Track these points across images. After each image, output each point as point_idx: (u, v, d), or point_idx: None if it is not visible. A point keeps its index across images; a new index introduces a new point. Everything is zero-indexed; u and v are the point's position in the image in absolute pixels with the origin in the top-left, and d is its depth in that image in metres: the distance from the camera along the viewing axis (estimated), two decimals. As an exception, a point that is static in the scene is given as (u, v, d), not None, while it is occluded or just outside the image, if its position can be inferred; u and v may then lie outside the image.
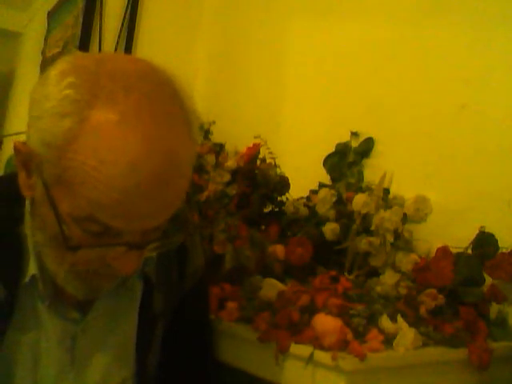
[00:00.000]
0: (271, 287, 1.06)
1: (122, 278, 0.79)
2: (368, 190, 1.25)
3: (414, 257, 1.13)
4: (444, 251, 1.08)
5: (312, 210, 1.31)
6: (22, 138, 0.69)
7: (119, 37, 2.04)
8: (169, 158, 0.62)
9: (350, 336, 0.85)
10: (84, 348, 0.81)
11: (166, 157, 0.61)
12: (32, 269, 0.74)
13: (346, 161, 1.46)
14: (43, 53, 2.68)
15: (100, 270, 0.69)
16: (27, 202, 0.74)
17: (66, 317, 0.79)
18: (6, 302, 0.74)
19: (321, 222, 1.25)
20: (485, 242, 1.11)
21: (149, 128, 0.60)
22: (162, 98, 0.64)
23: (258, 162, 1.39)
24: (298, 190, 1.39)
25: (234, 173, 1.36)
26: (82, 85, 0.61)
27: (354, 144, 1.46)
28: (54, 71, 0.65)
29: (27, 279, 0.75)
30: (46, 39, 2.71)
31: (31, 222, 0.73)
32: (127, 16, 2.06)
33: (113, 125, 0.59)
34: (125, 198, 0.60)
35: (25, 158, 0.67)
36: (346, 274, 1.16)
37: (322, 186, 1.41)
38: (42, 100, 0.63)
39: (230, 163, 1.37)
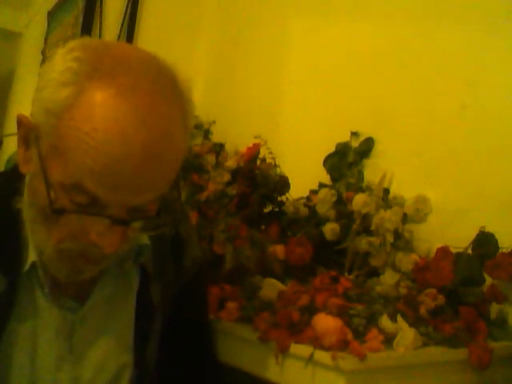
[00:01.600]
0: (271, 287, 1.06)
1: (114, 265, 0.81)
2: (368, 189, 1.25)
3: (414, 257, 1.13)
4: (444, 251, 1.08)
5: (312, 209, 1.31)
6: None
7: (119, 37, 2.05)
8: (160, 134, 0.64)
9: (350, 336, 0.85)
10: (82, 336, 0.81)
11: (158, 134, 0.64)
12: (32, 256, 0.75)
13: (346, 161, 1.46)
14: (43, 53, 2.69)
15: (85, 249, 0.70)
16: (26, 181, 0.75)
17: (63, 306, 0.80)
18: (6, 293, 0.74)
19: (321, 221, 1.25)
20: (485, 242, 1.11)
21: (144, 104, 0.63)
22: (161, 82, 0.67)
23: (258, 161, 1.39)
24: (298, 190, 1.39)
25: (234, 173, 1.35)
26: (86, 59, 0.64)
27: (354, 144, 1.46)
28: (62, 49, 0.68)
29: (27, 267, 0.75)
30: (45, 39, 2.72)
31: (26, 199, 0.74)
32: (127, 16, 2.06)
33: (109, 96, 0.62)
34: (113, 166, 0.62)
35: (25, 130, 0.69)
36: (346, 274, 1.16)
37: (322, 185, 1.41)
38: (47, 72, 0.67)
39: (230, 163, 1.37)
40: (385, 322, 0.92)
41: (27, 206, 0.73)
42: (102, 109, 0.62)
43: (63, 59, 0.66)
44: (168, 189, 0.70)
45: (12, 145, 2.54)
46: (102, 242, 0.68)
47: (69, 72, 0.64)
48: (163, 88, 0.66)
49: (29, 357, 0.78)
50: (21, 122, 0.70)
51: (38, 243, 0.73)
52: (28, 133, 0.69)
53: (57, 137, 0.64)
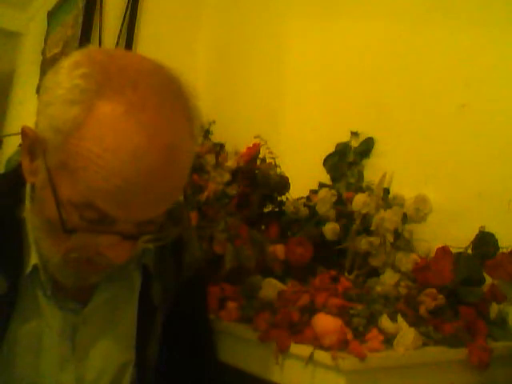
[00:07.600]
0: (271, 287, 1.06)
1: (117, 268, 0.81)
2: (368, 189, 1.25)
3: (414, 257, 1.13)
4: (444, 251, 1.08)
5: (312, 209, 1.30)
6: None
7: (119, 37, 2.04)
8: (169, 150, 0.64)
9: (350, 336, 0.85)
10: (84, 337, 0.82)
11: (166, 149, 0.64)
12: (33, 259, 0.76)
13: (346, 161, 1.46)
14: (43, 53, 2.68)
15: (93, 258, 0.71)
16: (27, 187, 0.76)
17: (65, 307, 0.80)
18: (8, 294, 0.75)
19: (321, 221, 1.25)
20: (485, 242, 1.11)
21: (152, 121, 0.63)
22: (167, 93, 0.67)
23: (258, 161, 1.39)
24: (298, 190, 1.39)
25: (234, 173, 1.35)
26: (92, 75, 0.64)
27: (354, 144, 1.46)
28: (67, 62, 0.68)
29: (29, 269, 0.76)
30: (45, 39, 2.71)
31: (30, 207, 0.75)
32: (127, 16, 2.06)
33: (118, 115, 0.62)
34: (124, 186, 0.62)
35: (31, 142, 0.69)
36: (346, 274, 1.16)
37: (322, 185, 1.41)
38: (53, 87, 0.66)
39: (230, 163, 1.37)
40: (385, 321, 0.92)
41: (32, 213, 0.74)
42: (112, 129, 0.62)
43: (70, 75, 0.65)
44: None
45: (12, 145, 2.54)
46: (110, 254, 0.69)
47: (76, 89, 0.63)
48: (170, 100, 0.66)
49: (33, 357, 0.79)
50: (26, 134, 0.69)
51: (44, 251, 0.74)
52: (34, 145, 0.69)
53: (66, 154, 0.64)
